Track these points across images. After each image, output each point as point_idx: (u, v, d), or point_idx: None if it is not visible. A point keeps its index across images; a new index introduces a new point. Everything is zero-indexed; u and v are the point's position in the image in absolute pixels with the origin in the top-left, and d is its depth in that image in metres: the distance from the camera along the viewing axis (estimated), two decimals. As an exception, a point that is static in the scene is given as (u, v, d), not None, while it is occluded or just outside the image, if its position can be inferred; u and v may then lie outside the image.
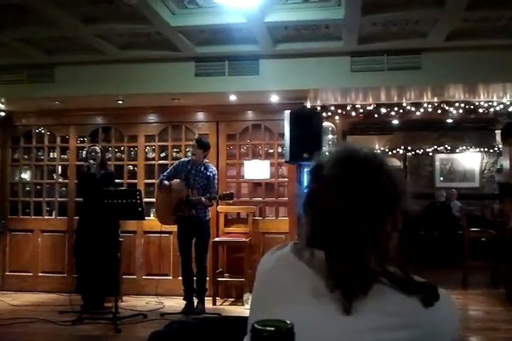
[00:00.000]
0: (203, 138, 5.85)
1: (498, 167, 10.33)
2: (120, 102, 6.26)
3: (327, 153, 1.19)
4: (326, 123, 6.12)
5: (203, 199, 5.40)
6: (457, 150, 10.91)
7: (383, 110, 6.41)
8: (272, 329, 0.69)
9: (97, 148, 5.84)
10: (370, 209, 1.07)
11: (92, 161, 5.66)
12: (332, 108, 6.34)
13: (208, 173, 5.61)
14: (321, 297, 1.02)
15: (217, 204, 6.20)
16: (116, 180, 6.21)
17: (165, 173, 5.75)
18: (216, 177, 5.72)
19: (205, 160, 5.76)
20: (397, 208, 1.11)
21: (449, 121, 7.63)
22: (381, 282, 1.02)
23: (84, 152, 6.50)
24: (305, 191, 1.17)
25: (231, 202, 6.20)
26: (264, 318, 0.72)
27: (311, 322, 0.99)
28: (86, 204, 5.73)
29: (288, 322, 0.70)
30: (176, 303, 5.83)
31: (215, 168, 5.79)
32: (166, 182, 5.63)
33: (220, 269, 6.21)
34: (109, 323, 4.96)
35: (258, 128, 6.52)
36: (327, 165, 1.12)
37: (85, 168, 5.67)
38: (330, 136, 6.51)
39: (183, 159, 5.91)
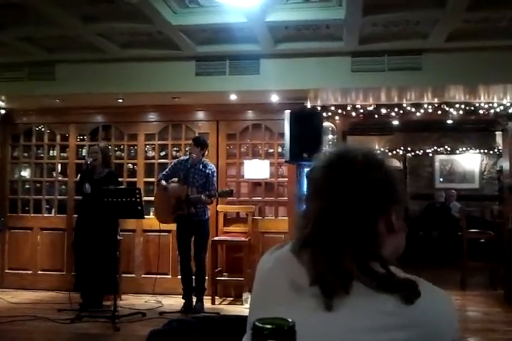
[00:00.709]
0: (200, 137, 5.85)
1: (498, 168, 10.33)
2: (120, 101, 6.26)
3: (322, 155, 1.20)
4: (326, 124, 6.11)
5: (202, 196, 5.40)
6: (457, 152, 10.91)
7: (383, 110, 6.40)
8: (273, 327, 0.69)
9: (96, 147, 5.83)
10: (353, 208, 1.09)
11: (90, 159, 5.64)
12: (332, 108, 6.33)
13: (207, 171, 5.61)
14: (318, 296, 1.02)
15: (217, 204, 6.21)
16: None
17: (163, 172, 5.76)
18: (215, 174, 5.72)
19: (204, 159, 5.76)
20: (391, 208, 1.12)
21: (449, 122, 7.62)
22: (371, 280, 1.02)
23: (85, 150, 6.51)
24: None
25: (231, 199, 6.22)
26: (263, 317, 0.72)
27: (309, 321, 0.99)
28: (85, 202, 5.73)
29: (289, 320, 0.70)
30: (174, 302, 5.83)
31: (213, 166, 5.80)
32: (164, 182, 5.64)
33: (219, 268, 6.22)
34: (108, 321, 4.96)
35: (258, 127, 6.52)
36: (317, 167, 1.16)
37: (84, 166, 5.67)
38: (330, 136, 6.50)
39: (181, 158, 5.91)
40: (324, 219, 1.09)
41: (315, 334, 0.98)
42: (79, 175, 6.00)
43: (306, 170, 5.53)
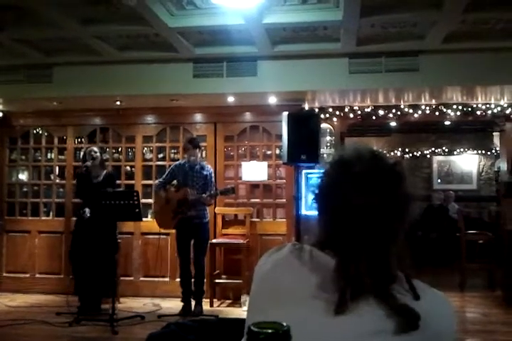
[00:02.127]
0: (194, 138, 5.82)
1: (496, 169, 10.34)
2: (118, 103, 6.26)
3: (348, 151, 1.16)
4: (323, 125, 6.11)
5: (203, 196, 5.39)
6: (455, 153, 10.93)
7: (381, 112, 6.41)
8: (269, 331, 0.68)
9: (95, 148, 5.81)
10: (397, 213, 1.07)
11: (91, 161, 5.62)
12: (330, 109, 6.33)
13: (205, 172, 5.62)
14: (320, 298, 1.01)
15: (215, 206, 6.20)
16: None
17: (161, 179, 5.74)
18: (213, 175, 5.74)
19: (199, 160, 5.74)
20: (407, 219, 1.11)
21: (447, 123, 7.63)
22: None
23: (81, 153, 6.48)
24: (319, 187, 1.14)
25: (229, 201, 6.21)
26: (261, 320, 0.71)
27: (309, 324, 0.98)
28: (85, 205, 5.69)
29: (284, 324, 0.69)
30: (173, 305, 5.82)
31: (210, 166, 5.82)
32: (162, 191, 5.64)
33: (218, 271, 6.20)
34: (106, 325, 4.95)
35: (256, 129, 6.52)
36: (359, 162, 1.10)
37: (84, 168, 5.63)
38: (328, 138, 6.50)
39: (178, 162, 5.88)
40: (371, 220, 1.05)
41: (318, 338, 0.98)
42: (76, 179, 5.98)
43: (308, 170, 5.53)
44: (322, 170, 1.18)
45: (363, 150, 1.14)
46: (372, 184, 1.07)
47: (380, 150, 1.18)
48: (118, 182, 6.52)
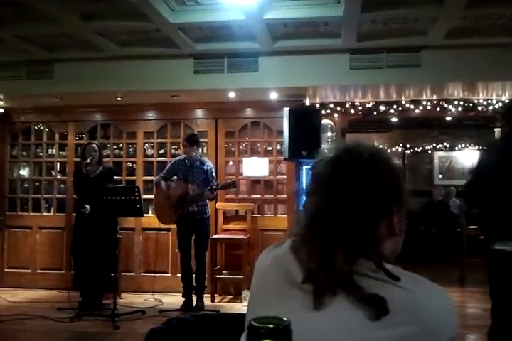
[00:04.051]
0: (190, 135, 5.76)
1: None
2: (119, 99, 6.26)
3: (326, 151, 1.19)
4: (324, 121, 6.11)
5: (205, 191, 5.39)
6: (456, 148, 10.91)
7: (382, 108, 6.41)
8: (269, 326, 0.68)
9: (95, 145, 5.81)
10: (355, 205, 1.07)
11: (91, 158, 5.61)
12: (331, 105, 6.33)
13: (205, 167, 5.61)
14: (304, 293, 1.02)
15: (216, 201, 6.20)
16: (115, 177, 6.21)
17: (162, 174, 5.74)
18: (213, 170, 5.72)
19: (198, 155, 5.73)
20: (394, 209, 1.10)
21: (448, 118, 7.62)
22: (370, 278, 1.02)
23: (80, 149, 6.47)
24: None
25: (230, 196, 6.22)
26: (261, 315, 0.72)
27: (307, 320, 0.99)
28: (83, 201, 5.69)
29: (285, 319, 0.69)
30: (174, 300, 5.84)
31: (210, 161, 5.82)
32: (163, 183, 5.63)
33: (219, 266, 6.22)
34: (108, 320, 4.97)
35: (257, 125, 6.52)
36: (321, 162, 1.15)
37: (84, 165, 5.61)
38: (329, 134, 6.50)
39: (177, 157, 5.87)
40: (323, 215, 1.07)
41: (310, 332, 0.98)
42: (73, 177, 5.95)
43: (309, 165, 5.53)
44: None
45: (337, 150, 1.17)
46: (328, 183, 1.10)
47: (373, 146, 1.18)
48: (119, 178, 6.55)
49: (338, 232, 1.05)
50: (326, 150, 1.20)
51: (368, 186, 1.08)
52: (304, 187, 1.22)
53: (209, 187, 5.44)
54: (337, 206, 1.07)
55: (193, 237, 5.59)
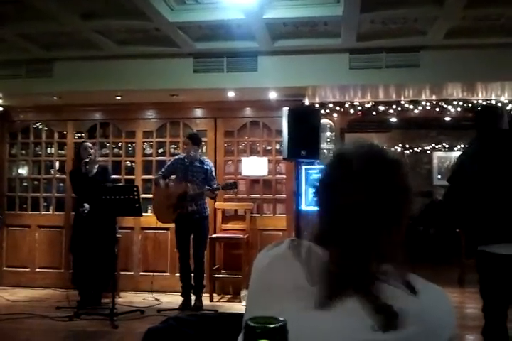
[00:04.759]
0: (195, 134, 5.80)
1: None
2: (118, 98, 6.26)
3: (346, 147, 1.18)
4: (324, 121, 6.10)
5: (205, 191, 5.39)
6: (455, 149, 10.91)
7: (381, 108, 6.40)
8: (265, 326, 0.68)
9: (89, 144, 5.81)
10: (386, 211, 1.07)
11: (89, 158, 5.60)
12: (330, 105, 6.33)
13: (205, 167, 5.61)
14: (307, 293, 1.02)
15: (215, 201, 6.20)
16: (114, 176, 6.22)
17: (161, 172, 5.74)
18: (213, 169, 5.73)
19: (199, 154, 5.74)
20: (404, 217, 1.10)
21: (448, 119, 7.61)
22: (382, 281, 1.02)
23: (75, 149, 6.43)
24: (318, 182, 1.15)
25: (229, 196, 6.21)
26: (259, 315, 0.72)
27: (306, 320, 0.99)
28: (82, 200, 5.69)
29: (281, 318, 0.69)
30: (173, 300, 5.84)
31: (210, 161, 5.82)
32: (162, 182, 5.62)
33: (217, 266, 6.22)
34: (106, 319, 4.97)
35: (256, 125, 6.52)
36: (355, 158, 1.11)
37: (83, 164, 5.60)
38: (328, 133, 6.49)
39: (177, 156, 5.88)
40: (353, 215, 1.06)
41: (316, 332, 0.98)
42: (70, 177, 5.94)
43: (308, 165, 5.53)
44: (322, 166, 1.19)
45: (361, 146, 1.15)
46: (366, 181, 1.07)
47: (382, 145, 1.18)
48: (118, 177, 6.55)
49: (370, 234, 1.05)
50: (343, 147, 1.18)
51: (399, 187, 1.08)
52: (318, 185, 1.17)
53: (210, 188, 5.44)
54: (371, 206, 1.06)
55: (192, 236, 5.58)
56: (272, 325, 0.68)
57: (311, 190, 1.18)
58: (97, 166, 5.73)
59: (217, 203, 6.28)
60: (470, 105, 6.27)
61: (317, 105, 6.24)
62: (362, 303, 0.98)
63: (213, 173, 5.70)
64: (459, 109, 6.34)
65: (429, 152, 11.03)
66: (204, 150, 6.47)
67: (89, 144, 5.80)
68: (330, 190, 1.12)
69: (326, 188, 1.13)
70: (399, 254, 1.06)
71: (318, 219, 1.14)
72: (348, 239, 1.05)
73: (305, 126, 4.74)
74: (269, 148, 6.54)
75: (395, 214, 1.08)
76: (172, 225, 5.76)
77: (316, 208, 1.15)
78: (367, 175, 1.08)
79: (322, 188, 1.14)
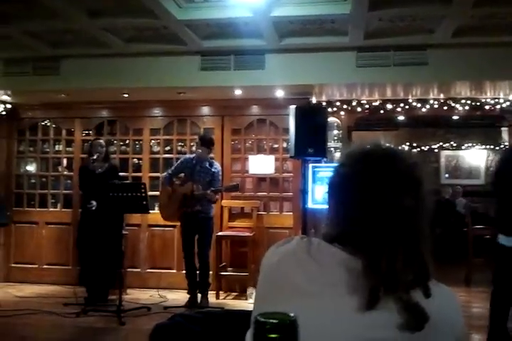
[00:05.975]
0: (207, 136, 5.81)
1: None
2: (126, 96, 6.27)
3: (348, 149, 1.20)
4: (331, 119, 6.09)
5: (208, 192, 5.40)
6: (463, 147, 10.88)
7: (389, 106, 6.38)
8: (275, 321, 0.68)
9: (102, 141, 5.84)
10: (426, 212, 1.08)
11: (97, 154, 5.64)
12: (337, 103, 6.31)
13: (213, 170, 5.62)
14: (332, 292, 1.02)
15: (222, 199, 6.21)
16: (121, 174, 6.23)
17: (170, 170, 5.75)
18: (220, 173, 5.73)
19: (210, 156, 5.75)
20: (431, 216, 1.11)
21: (455, 117, 7.59)
22: None
23: (87, 145, 6.48)
24: (338, 179, 1.15)
25: (236, 194, 6.22)
26: (268, 311, 0.72)
27: (318, 316, 0.99)
28: (89, 197, 5.71)
29: (291, 314, 0.70)
30: (179, 297, 5.86)
31: (219, 165, 5.82)
32: (169, 187, 5.65)
33: (224, 263, 6.22)
34: (113, 316, 4.98)
35: (263, 122, 6.52)
36: (346, 161, 1.15)
37: (91, 161, 5.64)
38: (335, 132, 6.48)
39: (187, 156, 5.90)
40: (391, 216, 1.05)
41: (331, 331, 0.98)
42: (78, 173, 5.98)
43: (315, 163, 5.53)
44: (340, 162, 1.18)
45: (388, 148, 1.18)
46: (406, 184, 1.08)
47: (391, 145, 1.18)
48: (125, 174, 6.57)
49: (405, 235, 1.05)
50: (347, 150, 1.19)
51: (428, 191, 1.09)
52: (343, 185, 1.15)
53: (212, 188, 5.44)
54: (410, 210, 1.06)
55: (196, 237, 5.59)
56: (282, 321, 0.68)
57: (325, 188, 1.17)
58: (107, 164, 5.75)
59: (224, 201, 6.29)
60: (478, 104, 6.24)
61: (324, 103, 6.23)
62: (394, 302, 0.98)
63: (219, 177, 5.69)
64: (466, 107, 6.31)
65: (436, 150, 11.00)
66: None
67: (101, 142, 5.82)
68: (355, 188, 1.11)
69: (348, 187, 1.12)
70: (427, 257, 1.06)
71: (334, 217, 1.13)
72: (389, 241, 1.04)
73: (312, 124, 4.74)
74: (276, 146, 6.53)
75: (425, 216, 1.08)
76: (179, 223, 5.77)
77: (328, 206, 1.15)
78: (355, 175, 1.10)
79: (342, 187, 1.14)
